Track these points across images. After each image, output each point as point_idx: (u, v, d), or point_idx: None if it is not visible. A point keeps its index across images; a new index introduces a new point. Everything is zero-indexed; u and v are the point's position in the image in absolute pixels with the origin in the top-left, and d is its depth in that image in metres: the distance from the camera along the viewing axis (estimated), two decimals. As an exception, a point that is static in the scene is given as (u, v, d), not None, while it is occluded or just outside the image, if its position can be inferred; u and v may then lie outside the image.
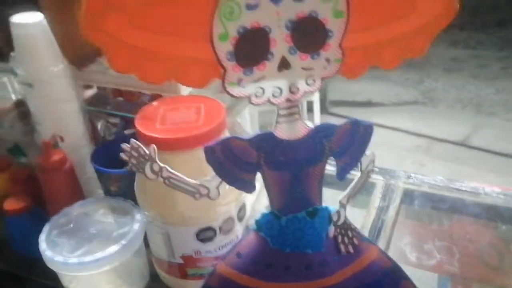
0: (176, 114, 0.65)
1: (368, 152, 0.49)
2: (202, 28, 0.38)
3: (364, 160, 0.50)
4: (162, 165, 0.48)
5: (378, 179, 0.95)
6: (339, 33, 0.41)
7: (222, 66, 0.40)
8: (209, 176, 0.47)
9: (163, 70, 0.40)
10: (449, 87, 3.36)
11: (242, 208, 0.69)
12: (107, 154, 0.79)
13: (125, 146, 0.48)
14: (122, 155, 0.49)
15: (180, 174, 0.48)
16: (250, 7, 0.39)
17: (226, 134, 0.66)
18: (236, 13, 0.38)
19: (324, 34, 0.41)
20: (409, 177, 0.96)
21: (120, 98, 0.94)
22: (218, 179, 0.47)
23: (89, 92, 1.03)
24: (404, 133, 2.87)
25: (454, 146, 2.76)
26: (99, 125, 1.00)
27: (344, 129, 0.47)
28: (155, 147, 0.48)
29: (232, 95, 0.41)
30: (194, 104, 0.66)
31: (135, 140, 0.48)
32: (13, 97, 1.33)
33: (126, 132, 0.96)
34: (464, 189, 0.90)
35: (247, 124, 1.11)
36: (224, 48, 0.40)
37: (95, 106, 1.00)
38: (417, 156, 2.67)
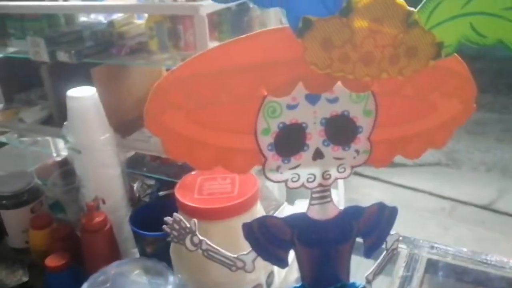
0: (213, 184, 0.70)
1: (393, 231, 0.53)
2: (248, 124, 0.44)
3: (390, 239, 0.53)
4: (201, 238, 0.52)
5: (401, 248, 0.97)
6: (368, 129, 0.47)
7: (263, 155, 0.46)
8: (246, 251, 0.51)
9: (212, 158, 0.45)
10: (473, 150, 3.35)
11: (270, 275, 0.72)
12: (144, 216, 0.84)
13: (167, 219, 0.53)
14: (165, 227, 0.53)
15: (218, 248, 0.52)
16: (290, 107, 0.45)
17: (258, 204, 0.71)
18: (278, 112, 0.44)
19: (355, 130, 0.47)
20: (432, 247, 0.97)
21: (157, 161, 1.01)
22: (254, 254, 0.51)
23: (127, 155, 1.10)
24: (427, 194, 2.84)
25: (479, 209, 2.72)
26: (135, 186, 1.06)
27: (371, 211, 0.51)
28: (195, 221, 0.53)
29: (271, 180, 0.46)
30: (229, 174, 0.71)
31: (177, 214, 0.53)
32: (54, 155, 1.42)
33: (161, 193, 1.02)
34: (489, 262, 0.91)
35: (275, 188, 1.15)
36: (266, 140, 0.45)
37: (133, 168, 1.06)
38: (440, 219, 2.63)
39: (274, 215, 1.09)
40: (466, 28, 0.42)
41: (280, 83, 0.43)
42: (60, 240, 0.87)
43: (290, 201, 1.12)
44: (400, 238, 0.54)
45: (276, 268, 0.75)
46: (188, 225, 0.52)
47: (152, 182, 1.03)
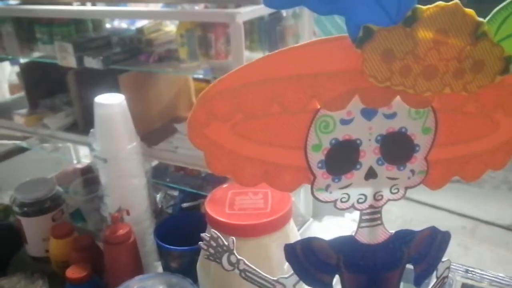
0: (244, 199, 0.67)
1: (444, 258, 0.49)
2: (297, 139, 0.41)
3: (441, 267, 0.49)
4: (239, 257, 0.49)
5: (444, 261, 0.92)
6: (426, 148, 0.43)
7: (312, 173, 0.42)
8: (287, 274, 0.48)
9: (257, 174, 0.42)
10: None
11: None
12: (169, 228, 0.81)
13: (205, 236, 0.50)
14: (201, 244, 0.50)
15: (257, 269, 0.49)
16: (344, 122, 0.41)
17: (291, 222, 0.67)
18: (331, 127, 0.41)
19: (412, 148, 0.43)
20: (467, 271, 0.92)
21: (181, 172, 0.98)
22: (295, 278, 0.47)
23: (151, 164, 1.08)
24: (448, 212, 2.78)
25: (501, 230, 2.64)
26: (158, 197, 1.04)
27: (422, 236, 0.47)
28: (234, 239, 0.50)
29: (319, 200, 0.43)
30: (261, 189, 0.68)
31: (215, 231, 0.50)
32: (75, 162, 1.40)
33: (184, 205, 0.99)
34: (527, 289, 0.86)
35: (301, 203, 1.12)
36: (316, 157, 0.42)
37: (156, 178, 1.04)
38: (461, 238, 2.57)
39: (300, 232, 1.06)
40: (539, 41, 0.39)
41: (335, 96, 0.40)
42: (81, 251, 0.85)
43: (316, 216, 1.09)
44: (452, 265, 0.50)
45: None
46: (226, 243, 0.48)
47: (175, 193, 1.01)
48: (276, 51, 0.40)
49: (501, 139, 0.45)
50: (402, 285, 0.60)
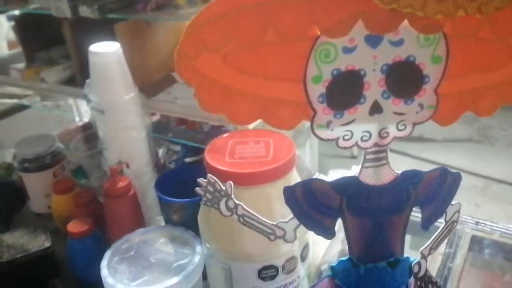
0: (245, 148, 0.64)
1: (454, 201, 0.47)
2: (295, 70, 0.38)
3: (450, 210, 0.47)
4: (238, 202, 0.47)
5: (442, 223, 0.90)
6: (436, 79, 0.40)
7: (312, 108, 0.39)
8: (287, 218, 0.46)
9: (253, 111, 0.39)
10: (507, 126, 3.21)
11: (305, 248, 0.67)
12: (170, 182, 0.79)
13: (201, 180, 0.48)
14: (198, 189, 0.48)
15: (256, 213, 0.47)
16: (347, 50, 0.38)
17: (294, 171, 0.65)
18: (332, 56, 0.38)
19: (420, 80, 0.39)
20: (478, 223, 0.90)
21: (183, 126, 0.96)
22: (295, 222, 0.45)
23: (152, 119, 1.05)
24: (459, 171, 2.75)
25: (512, 187, 2.62)
26: (160, 152, 1.02)
27: (431, 177, 0.44)
28: (231, 183, 0.48)
29: (320, 138, 0.40)
30: (263, 138, 0.66)
31: (212, 176, 0.48)
32: (77, 119, 1.38)
33: (187, 160, 0.97)
34: (541, 240, 0.84)
35: (307, 157, 1.10)
36: (317, 90, 0.39)
37: (158, 132, 1.02)
38: (472, 196, 2.55)
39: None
40: None
41: (337, 21, 0.36)
42: (82, 206, 0.84)
43: (323, 171, 1.06)
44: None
45: (311, 241, 0.70)
46: (224, 188, 0.46)
47: (177, 148, 0.98)
48: (271, -30, 0.36)
49: (519, 69, 0.41)
50: (409, 238, 0.58)
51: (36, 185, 0.90)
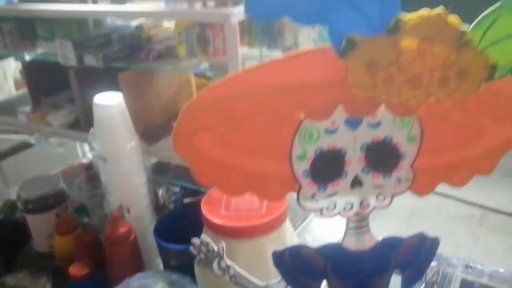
0: (240, 200, 0.67)
1: (433, 263, 0.49)
2: (282, 149, 0.41)
3: (430, 272, 0.50)
4: (229, 262, 0.50)
5: (433, 266, 0.92)
6: (412, 156, 0.43)
7: (298, 182, 0.43)
8: (276, 279, 0.48)
9: (243, 185, 0.42)
10: (505, 155, 3.23)
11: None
12: (169, 224, 0.82)
13: (195, 240, 0.51)
14: (192, 249, 0.51)
15: (247, 274, 0.50)
16: (329, 131, 0.41)
17: (287, 222, 0.68)
18: (315, 137, 0.41)
19: (397, 157, 0.43)
20: (467, 266, 0.92)
21: (183, 168, 0.99)
22: (284, 283, 0.48)
23: (152, 160, 1.09)
24: (456, 201, 2.77)
25: (509, 218, 2.62)
26: (160, 192, 1.04)
27: (411, 241, 0.47)
28: (223, 245, 0.50)
29: (305, 209, 0.43)
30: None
31: (205, 236, 0.51)
32: (81, 156, 1.42)
33: (186, 200, 1.00)
34: (529, 284, 0.86)
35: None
36: (301, 166, 0.42)
37: (157, 174, 1.05)
38: (469, 227, 2.55)
39: (301, 227, 1.07)
40: (524, 48, 0.39)
41: (319, 106, 0.40)
42: (84, 247, 0.86)
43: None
44: (441, 270, 0.50)
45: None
46: (216, 249, 0.49)
47: (177, 189, 1.01)
48: (260, 63, 0.40)
49: (487, 145, 0.44)
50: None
51: (39, 225, 0.92)
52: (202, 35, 0.85)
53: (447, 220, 2.61)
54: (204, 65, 0.89)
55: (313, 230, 1.04)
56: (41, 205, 0.91)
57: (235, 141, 0.41)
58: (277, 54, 0.95)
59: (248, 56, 0.91)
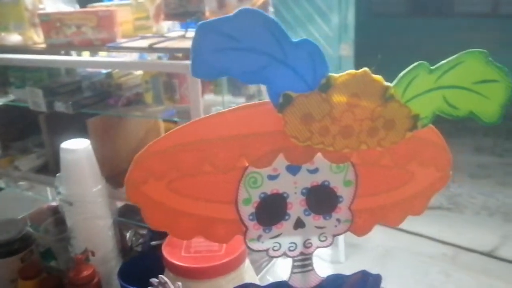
0: (200, 242, 0.69)
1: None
2: (228, 194, 0.45)
3: (374, 308, 0.52)
4: (185, 302, 0.52)
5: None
6: (349, 198, 0.47)
7: (244, 225, 0.46)
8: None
9: (192, 228, 0.45)
10: (476, 194, 3.32)
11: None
12: (135, 268, 0.83)
13: (153, 281, 0.53)
14: (150, 289, 0.53)
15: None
16: (271, 177, 0.45)
17: (247, 262, 0.70)
18: (259, 182, 0.45)
19: (335, 199, 0.47)
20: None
21: (150, 211, 1.01)
22: (235, 322, 0.50)
23: (120, 203, 1.10)
24: (429, 239, 2.81)
25: (481, 256, 2.67)
26: (128, 235, 1.05)
27: (354, 279, 0.50)
28: (180, 284, 0.53)
29: (252, 250, 0.46)
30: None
31: (163, 276, 0.53)
32: (50, 199, 1.42)
33: (153, 243, 1.01)
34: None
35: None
36: (247, 210, 0.46)
37: (125, 217, 1.06)
38: (442, 265, 2.59)
39: (268, 266, 1.08)
40: (440, 101, 0.44)
41: (261, 155, 0.44)
42: (48, 291, 0.86)
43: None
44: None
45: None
46: (173, 288, 0.51)
47: (144, 231, 1.02)
48: (206, 115, 0.44)
49: (417, 188, 0.49)
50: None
51: (2, 270, 0.91)
52: (168, 83, 0.90)
53: (420, 259, 2.64)
54: (171, 112, 0.93)
55: (277, 271, 1.06)
56: (6, 250, 0.90)
57: (184, 188, 0.44)
58: (241, 101, 1.00)
59: (215, 103, 0.95)
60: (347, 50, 2.43)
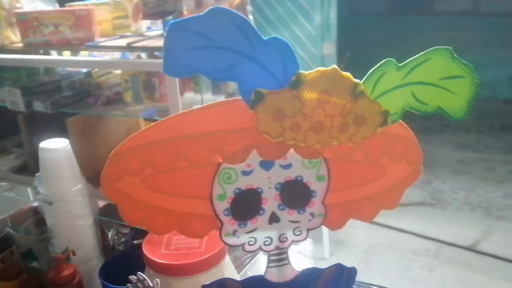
0: (180, 239, 0.70)
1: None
2: (203, 190, 0.45)
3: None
4: (164, 298, 0.52)
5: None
6: (322, 193, 0.48)
7: (219, 220, 0.47)
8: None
9: (168, 224, 0.46)
10: (458, 189, 3.38)
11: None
12: (116, 266, 0.83)
13: (132, 278, 0.53)
14: (129, 286, 0.53)
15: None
16: (245, 173, 0.46)
17: (227, 258, 0.71)
18: (233, 178, 0.46)
19: (309, 194, 0.48)
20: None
21: (132, 210, 1.01)
22: (213, 317, 0.51)
23: (102, 203, 1.10)
24: (412, 235, 2.85)
25: (463, 251, 2.72)
26: (110, 234, 1.05)
27: (329, 272, 0.51)
28: (158, 281, 0.53)
29: (228, 244, 0.47)
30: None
31: (141, 273, 0.53)
32: (32, 200, 1.41)
33: (135, 242, 1.01)
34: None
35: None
36: (222, 206, 0.46)
37: (107, 216, 1.06)
38: (425, 260, 2.62)
39: (251, 263, 1.09)
40: (409, 97, 0.45)
41: (235, 151, 0.45)
42: (29, 292, 0.85)
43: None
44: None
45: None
46: (151, 285, 0.52)
47: (126, 230, 1.02)
48: (180, 112, 0.44)
49: (389, 182, 0.50)
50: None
51: (-17, 272, 0.91)
52: (148, 82, 0.90)
53: (403, 255, 2.67)
54: (151, 110, 0.93)
55: (259, 267, 1.07)
56: (-14, 251, 0.90)
57: (159, 184, 0.45)
58: (221, 98, 1.00)
59: (194, 101, 0.96)
60: (329, 48, 2.45)
